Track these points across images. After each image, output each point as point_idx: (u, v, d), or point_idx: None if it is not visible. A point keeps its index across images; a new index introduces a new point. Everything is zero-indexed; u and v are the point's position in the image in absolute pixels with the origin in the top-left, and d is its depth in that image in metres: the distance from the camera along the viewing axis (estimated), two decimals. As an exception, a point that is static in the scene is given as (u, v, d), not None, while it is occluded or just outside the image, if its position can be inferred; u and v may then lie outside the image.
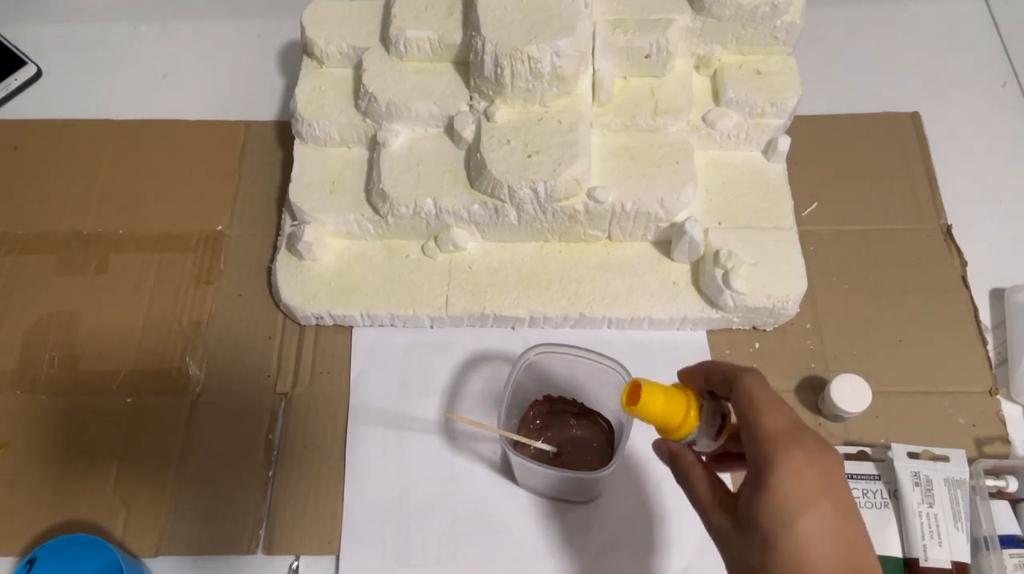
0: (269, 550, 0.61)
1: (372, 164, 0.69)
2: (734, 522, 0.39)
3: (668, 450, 0.44)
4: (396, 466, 0.64)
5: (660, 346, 0.68)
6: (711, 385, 0.43)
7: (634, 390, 0.42)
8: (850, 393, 0.62)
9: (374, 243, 0.71)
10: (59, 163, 0.79)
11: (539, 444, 0.60)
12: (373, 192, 0.68)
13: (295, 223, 0.70)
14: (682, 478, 0.43)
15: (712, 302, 0.67)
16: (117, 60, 0.86)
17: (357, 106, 0.69)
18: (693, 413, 0.42)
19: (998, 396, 0.66)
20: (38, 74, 0.84)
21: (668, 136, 0.68)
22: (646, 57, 0.68)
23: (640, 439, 0.64)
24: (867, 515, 0.60)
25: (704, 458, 0.45)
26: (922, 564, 0.57)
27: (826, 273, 0.71)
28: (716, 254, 0.66)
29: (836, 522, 0.37)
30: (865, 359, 0.68)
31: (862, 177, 0.76)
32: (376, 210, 0.68)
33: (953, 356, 0.68)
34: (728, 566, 0.40)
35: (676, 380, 0.45)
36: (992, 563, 0.57)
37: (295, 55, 0.84)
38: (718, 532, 0.40)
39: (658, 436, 0.45)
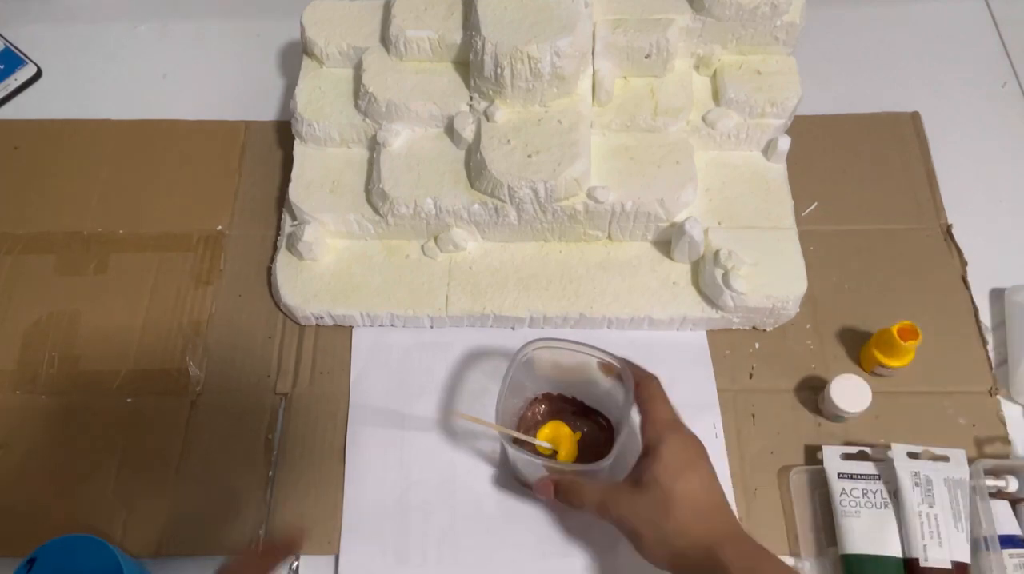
0: (269, 550, 0.61)
1: (372, 164, 0.69)
2: (632, 490, 0.53)
3: (543, 485, 0.57)
4: (396, 466, 0.64)
5: (660, 346, 0.68)
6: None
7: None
8: (850, 393, 0.62)
9: (374, 243, 0.71)
10: (59, 163, 0.79)
11: (540, 442, 0.60)
12: (373, 192, 0.68)
13: (295, 223, 0.70)
14: (571, 493, 0.56)
15: (712, 302, 0.67)
16: (117, 60, 0.86)
17: (357, 106, 0.69)
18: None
19: (998, 396, 0.66)
20: (38, 74, 0.84)
21: (668, 136, 0.68)
22: (646, 57, 0.68)
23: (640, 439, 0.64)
24: (867, 515, 0.60)
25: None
26: (922, 564, 0.57)
27: (826, 273, 0.71)
28: (716, 254, 0.66)
29: (705, 476, 0.53)
30: (865, 359, 0.68)
31: (862, 177, 0.76)
32: (376, 210, 0.68)
33: (953, 356, 0.68)
34: (631, 530, 0.52)
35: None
36: (992, 563, 0.57)
37: (295, 55, 0.84)
38: (618, 506, 0.53)
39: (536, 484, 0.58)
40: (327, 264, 0.70)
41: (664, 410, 0.56)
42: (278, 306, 0.71)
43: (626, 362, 0.58)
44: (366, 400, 0.67)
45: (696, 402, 0.65)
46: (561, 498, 0.56)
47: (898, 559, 0.58)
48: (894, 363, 0.64)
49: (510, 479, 0.63)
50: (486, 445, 0.65)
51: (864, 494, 0.60)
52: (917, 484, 0.59)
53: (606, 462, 0.55)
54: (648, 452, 0.54)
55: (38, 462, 0.64)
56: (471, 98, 0.67)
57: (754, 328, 0.69)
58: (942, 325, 0.69)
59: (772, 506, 0.62)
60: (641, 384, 0.57)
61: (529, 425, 0.63)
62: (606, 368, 0.59)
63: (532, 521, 0.62)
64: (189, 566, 0.61)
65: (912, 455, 0.61)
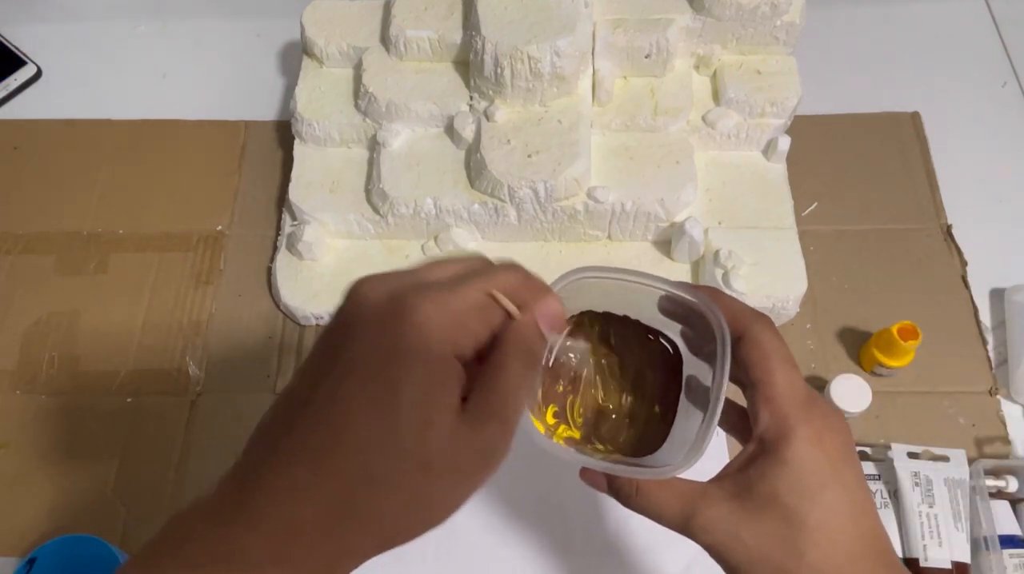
0: (269, 550, 0.61)
1: (372, 164, 0.69)
2: (737, 504, 0.35)
3: (592, 475, 0.39)
4: (396, 466, 0.64)
5: (660, 346, 0.68)
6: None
7: None
8: (850, 393, 0.62)
9: (374, 243, 0.71)
10: (59, 163, 0.79)
11: (575, 342, 0.40)
12: (373, 192, 0.68)
13: (295, 223, 0.70)
14: (633, 497, 0.38)
15: (712, 302, 0.67)
16: (117, 60, 0.86)
17: (357, 106, 0.69)
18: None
19: (998, 396, 0.66)
20: (38, 74, 0.84)
21: (668, 136, 0.68)
22: (646, 57, 0.68)
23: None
24: (867, 515, 0.60)
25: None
26: (922, 564, 0.57)
27: (826, 273, 0.71)
28: (716, 254, 0.66)
29: (859, 494, 0.35)
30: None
31: (862, 177, 0.76)
32: (376, 210, 0.68)
33: (953, 356, 0.68)
34: (733, 568, 0.36)
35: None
36: (992, 563, 0.57)
37: (295, 55, 0.84)
38: (714, 528, 0.36)
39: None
40: (327, 264, 0.70)
41: (789, 378, 0.36)
42: (278, 306, 0.71)
43: (716, 296, 0.38)
44: (366, 400, 0.67)
45: (696, 402, 0.65)
46: (621, 500, 0.39)
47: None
48: (894, 363, 0.64)
49: (512, 473, 0.63)
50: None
51: (864, 494, 0.60)
52: (917, 484, 0.59)
53: (673, 469, 0.37)
54: (766, 448, 0.35)
55: (38, 462, 0.64)
56: (471, 98, 0.67)
57: (754, 328, 0.69)
58: (942, 325, 0.69)
59: (772, 506, 0.62)
60: (746, 338, 0.37)
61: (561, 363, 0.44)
62: (673, 308, 0.39)
63: (532, 519, 0.62)
64: (189, 566, 0.61)
65: (912, 455, 0.61)
